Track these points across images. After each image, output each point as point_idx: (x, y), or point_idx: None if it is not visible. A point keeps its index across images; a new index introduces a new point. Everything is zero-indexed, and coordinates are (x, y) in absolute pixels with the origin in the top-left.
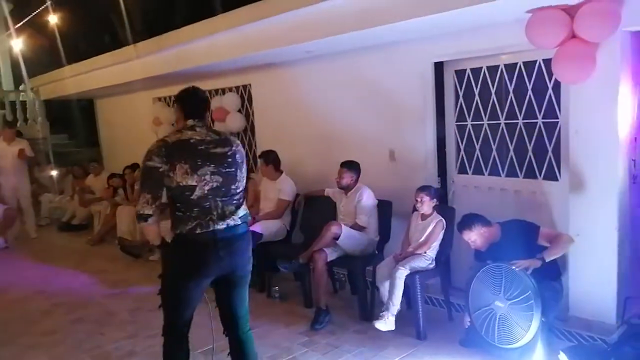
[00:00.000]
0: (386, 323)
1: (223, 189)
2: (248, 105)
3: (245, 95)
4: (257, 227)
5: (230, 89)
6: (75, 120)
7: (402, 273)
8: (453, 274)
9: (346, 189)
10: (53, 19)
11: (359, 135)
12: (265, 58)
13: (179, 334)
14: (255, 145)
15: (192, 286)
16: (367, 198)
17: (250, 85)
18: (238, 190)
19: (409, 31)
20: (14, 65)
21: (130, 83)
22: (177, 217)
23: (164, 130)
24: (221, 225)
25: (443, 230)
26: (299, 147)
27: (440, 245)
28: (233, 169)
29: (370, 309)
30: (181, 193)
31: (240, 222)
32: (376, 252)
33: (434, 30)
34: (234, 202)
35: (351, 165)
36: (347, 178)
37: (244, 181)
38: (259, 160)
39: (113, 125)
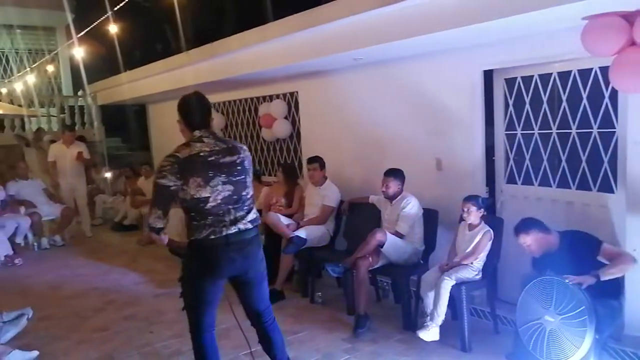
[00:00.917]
0: (430, 333)
1: (235, 197)
2: (295, 112)
3: (292, 102)
4: (301, 233)
5: (278, 96)
6: (128, 124)
7: (448, 283)
8: (500, 285)
9: (391, 197)
10: (113, 28)
11: (404, 143)
12: (312, 66)
13: (205, 333)
14: (301, 152)
15: (208, 286)
16: (412, 207)
17: (297, 92)
18: (248, 196)
19: (459, 39)
20: (74, 72)
21: (181, 89)
22: (192, 225)
23: None
24: (233, 230)
25: (490, 241)
26: (344, 153)
27: (488, 256)
28: (243, 177)
29: (413, 318)
30: (196, 204)
31: (251, 227)
32: (421, 261)
33: (484, 38)
34: (245, 207)
35: (395, 174)
36: (391, 186)
37: (252, 186)
38: (308, 165)
39: (163, 130)
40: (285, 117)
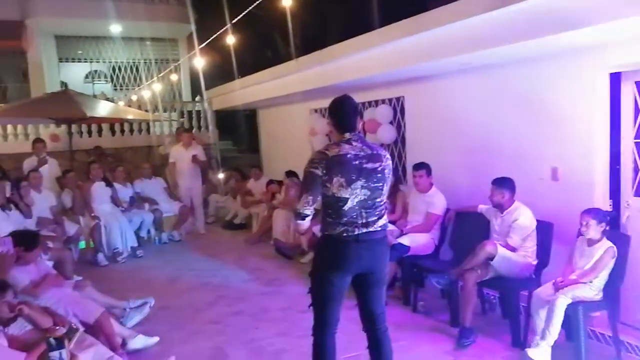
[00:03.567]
0: (541, 352)
1: (369, 202)
2: (400, 117)
3: (397, 107)
4: (404, 240)
5: (383, 101)
6: (239, 128)
7: (562, 302)
8: (624, 308)
9: (501, 208)
10: (230, 39)
11: (516, 150)
12: (419, 71)
13: (327, 332)
14: (405, 157)
15: (335, 281)
16: (525, 218)
17: (403, 97)
18: (382, 203)
19: (581, 40)
20: (193, 80)
21: (290, 95)
22: (327, 221)
23: (319, 140)
24: (363, 230)
25: (614, 259)
26: (451, 160)
27: (610, 275)
28: (381, 184)
29: (523, 335)
30: (335, 202)
31: (380, 229)
32: (533, 276)
33: (610, 37)
34: (377, 213)
35: (503, 183)
36: (498, 196)
37: (387, 194)
38: (414, 171)
39: (272, 134)
40: (391, 122)
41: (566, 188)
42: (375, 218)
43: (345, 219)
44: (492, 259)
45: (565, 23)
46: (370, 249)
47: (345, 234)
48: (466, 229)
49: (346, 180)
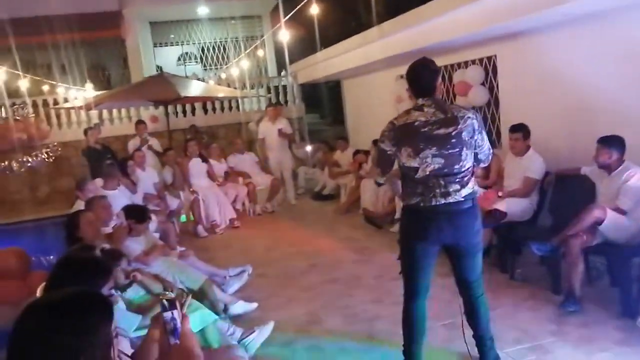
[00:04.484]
0: None
1: (445, 170)
2: (492, 78)
3: (489, 67)
4: (500, 206)
5: (474, 62)
6: (324, 100)
7: None
8: None
9: (608, 169)
10: (314, 9)
11: (625, 108)
12: (513, 27)
13: (417, 299)
14: (499, 120)
15: (418, 250)
16: (637, 179)
17: (495, 56)
18: (463, 170)
19: None
20: (277, 55)
21: (374, 63)
22: (405, 190)
23: (406, 107)
24: (442, 201)
25: None
26: (550, 121)
27: None
28: (457, 149)
29: (634, 305)
30: (407, 172)
31: (463, 200)
32: None
33: None
34: (457, 180)
35: (611, 142)
36: (605, 156)
37: (472, 158)
38: (510, 133)
39: (357, 104)
40: (482, 84)
41: None
42: (458, 187)
43: (421, 187)
44: (599, 223)
45: None
46: (451, 220)
47: (422, 204)
48: (568, 193)
49: (413, 149)
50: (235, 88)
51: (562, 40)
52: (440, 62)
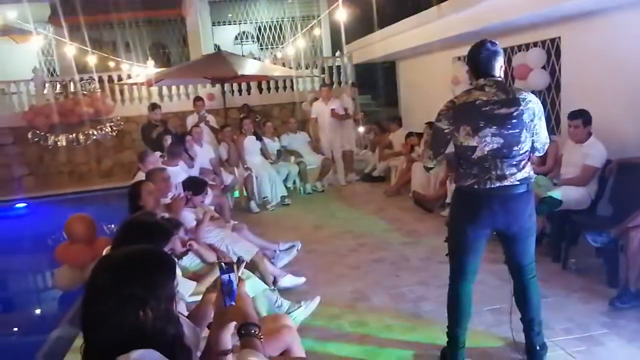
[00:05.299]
0: None
1: (504, 150)
2: (555, 61)
3: (552, 49)
4: (555, 193)
5: (535, 44)
6: (377, 82)
7: None
8: None
9: None
10: None
11: None
12: (581, 5)
13: (462, 282)
14: (559, 105)
15: (469, 232)
16: None
17: (559, 38)
18: (521, 152)
19: None
20: (333, 35)
21: (431, 44)
22: (460, 172)
23: (462, 89)
24: (497, 184)
25: None
26: (614, 106)
27: None
28: (517, 130)
29: None
30: (463, 152)
31: (519, 184)
32: None
33: None
34: (514, 163)
35: None
36: None
37: (530, 142)
38: (569, 120)
39: (412, 86)
40: (543, 67)
41: None
42: (514, 170)
43: (477, 167)
44: None
45: None
46: (504, 204)
47: (476, 186)
48: (631, 183)
49: (472, 128)
50: (290, 68)
51: (632, 21)
52: (500, 44)
